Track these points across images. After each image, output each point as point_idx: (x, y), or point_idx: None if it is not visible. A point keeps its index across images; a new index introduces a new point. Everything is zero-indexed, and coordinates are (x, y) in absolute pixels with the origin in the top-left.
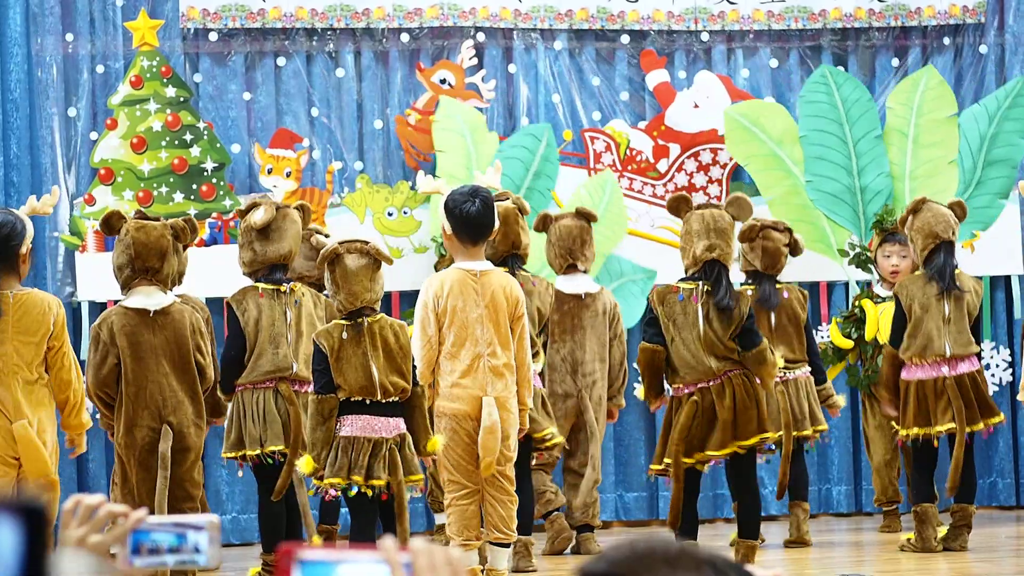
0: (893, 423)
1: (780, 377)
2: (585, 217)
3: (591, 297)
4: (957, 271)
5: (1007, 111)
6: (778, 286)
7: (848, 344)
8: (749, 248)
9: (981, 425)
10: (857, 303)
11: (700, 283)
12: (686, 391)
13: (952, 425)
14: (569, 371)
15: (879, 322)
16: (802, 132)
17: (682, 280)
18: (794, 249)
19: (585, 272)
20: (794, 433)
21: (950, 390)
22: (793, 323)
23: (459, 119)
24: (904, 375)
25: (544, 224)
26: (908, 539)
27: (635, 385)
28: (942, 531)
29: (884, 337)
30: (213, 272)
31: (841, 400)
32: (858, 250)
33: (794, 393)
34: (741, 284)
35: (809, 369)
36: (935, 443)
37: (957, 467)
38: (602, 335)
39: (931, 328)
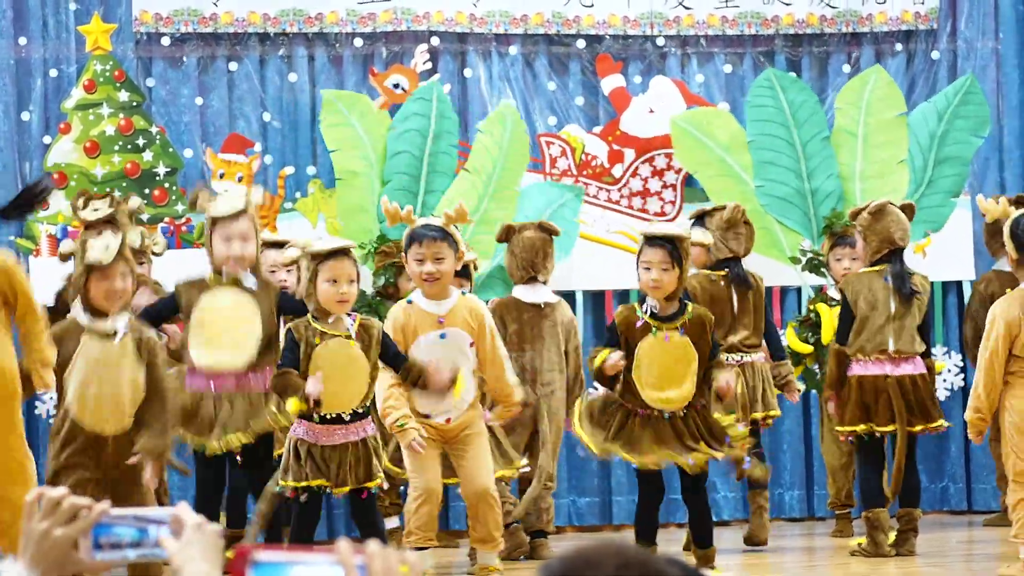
0: (834, 423)
1: (738, 360)
2: (547, 231)
3: (550, 307)
4: (910, 272)
5: (957, 108)
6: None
7: (807, 349)
8: (734, 234)
9: (920, 428)
10: (812, 307)
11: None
12: None
13: (894, 427)
14: (528, 380)
15: (834, 325)
16: (750, 137)
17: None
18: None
19: (545, 283)
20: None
21: (891, 389)
22: (757, 307)
23: (344, 111)
24: (848, 372)
25: (506, 235)
26: (859, 544)
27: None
28: (890, 536)
29: None
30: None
31: (800, 384)
32: (810, 255)
33: (751, 376)
34: (707, 269)
35: (763, 354)
36: (881, 441)
37: (899, 469)
38: (560, 345)
39: (876, 323)
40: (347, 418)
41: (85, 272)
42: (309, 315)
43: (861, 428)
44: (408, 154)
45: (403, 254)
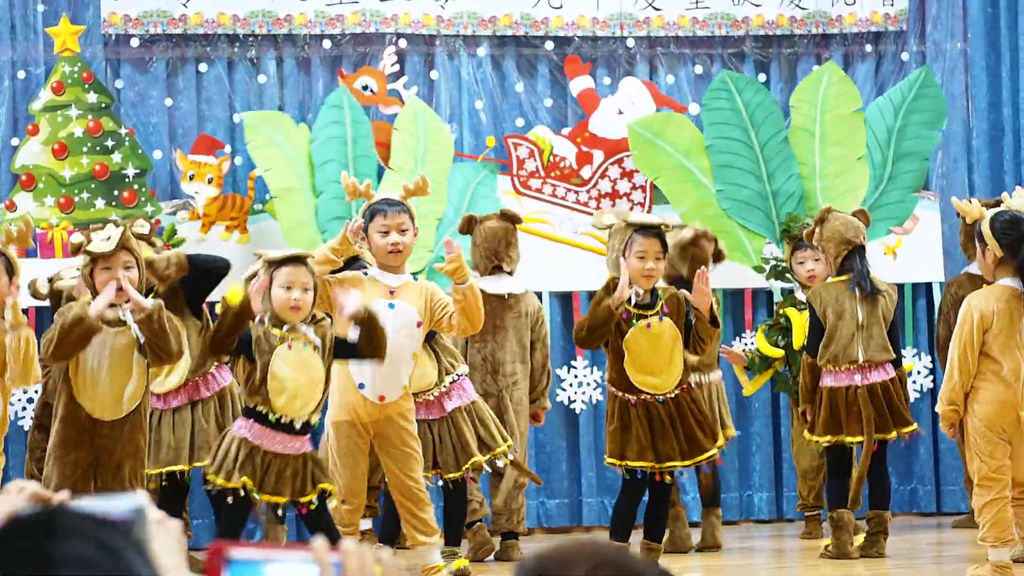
0: (805, 432)
1: (695, 381)
2: (510, 219)
3: (514, 298)
4: (872, 276)
5: (912, 103)
6: None
7: (777, 353)
8: (679, 256)
9: (893, 434)
10: (781, 311)
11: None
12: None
13: (862, 438)
14: (490, 371)
15: (805, 329)
16: (708, 141)
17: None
18: (718, 257)
19: (510, 273)
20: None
21: (861, 400)
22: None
23: (266, 130)
24: (819, 383)
25: (468, 226)
26: (826, 545)
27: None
28: (859, 538)
29: None
30: None
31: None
32: (773, 263)
33: (706, 397)
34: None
35: (720, 374)
36: (851, 449)
37: (860, 479)
38: (523, 337)
39: (845, 334)
40: (297, 426)
41: (90, 263)
42: (267, 323)
43: (831, 439)
44: (334, 162)
45: (363, 229)
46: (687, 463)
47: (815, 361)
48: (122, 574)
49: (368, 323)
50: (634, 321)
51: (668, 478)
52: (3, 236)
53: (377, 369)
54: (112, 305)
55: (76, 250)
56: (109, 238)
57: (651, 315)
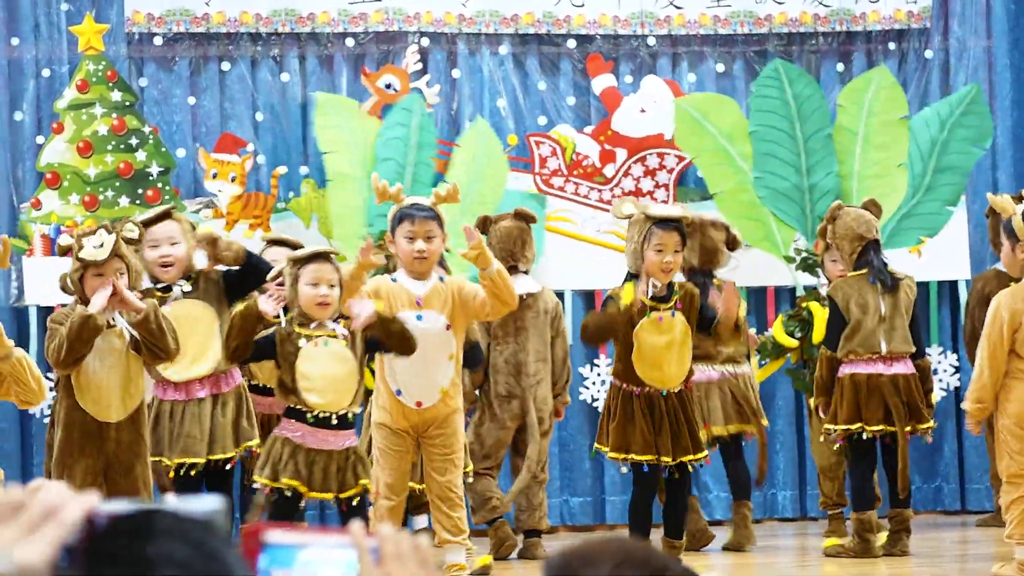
0: (825, 424)
1: (729, 372)
2: (524, 218)
3: (532, 297)
4: (889, 268)
5: (960, 118)
6: (715, 282)
7: (792, 343)
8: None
9: (908, 429)
10: (804, 304)
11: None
12: None
13: (883, 427)
14: (513, 372)
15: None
16: (752, 127)
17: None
18: (732, 244)
19: (526, 272)
20: (735, 428)
21: (885, 388)
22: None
23: (334, 114)
24: (839, 372)
25: (483, 226)
26: (833, 544)
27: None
28: (882, 537)
29: None
30: None
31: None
32: (804, 254)
33: (742, 386)
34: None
35: (750, 367)
36: (873, 441)
37: (905, 467)
38: (544, 334)
39: (868, 327)
40: (335, 422)
41: (81, 269)
42: (293, 321)
43: (855, 426)
44: (393, 161)
45: (390, 233)
46: (676, 460)
47: (834, 354)
48: (218, 574)
49: (383, 327)
50: (648, 313)
51: (677, 474)
52: None
53: (412, 376)
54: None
55: (64, 252)
56: (102, 245)
57: (664, 309)
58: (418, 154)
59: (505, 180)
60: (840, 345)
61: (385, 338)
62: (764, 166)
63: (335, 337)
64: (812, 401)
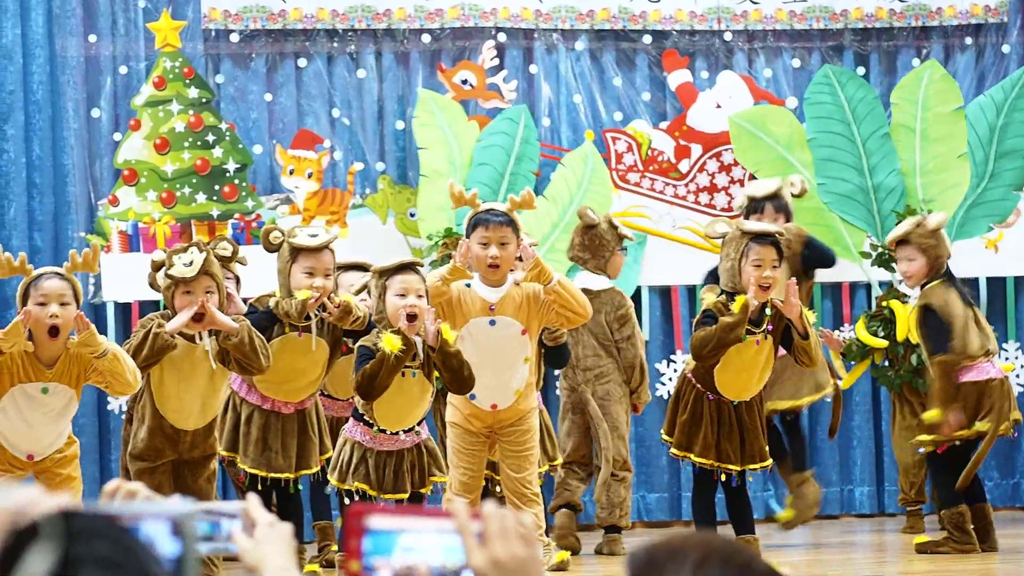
0: (928, 429)
1: None
2: (586, 225)
3: (591, 294)
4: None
5: (1015, 101)
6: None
7: (880, 343)
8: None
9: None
10: (884, 303)
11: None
12: None
13: (983, 426)
14: (569, 366)
15: (908, 322)
16: (810, 135)
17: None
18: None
19: (593, 271)
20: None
21: (995, 390)
22: None
23: (436, 112)
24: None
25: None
26: (925, 540)
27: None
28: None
29: (913, 337)
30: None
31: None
32: (880, 250)
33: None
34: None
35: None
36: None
37: (977, 463)
38: (603, 330)
39: (972, 328)
40: (402, 436)
41: (171, 285)
42: (380, 336)
43: (965, 433)
44: (491, 167)
45: (464, 239)
46: (742, 468)
47: (949, 360)
48: (138, 567)
49: (443, 358)
50: (744, 337)
51: (737, 479)
52: (69, 261)
53: (486, 380)
54: (190, 330)
55: (157, 268)
56: (192, 263)
57: (759, 332)
58: (516, 165)
59: (611, 201)
60: (955, 346)
61: (442, 368)
62: (826, 171)
63: (420, 369)
64: (931, 415)
